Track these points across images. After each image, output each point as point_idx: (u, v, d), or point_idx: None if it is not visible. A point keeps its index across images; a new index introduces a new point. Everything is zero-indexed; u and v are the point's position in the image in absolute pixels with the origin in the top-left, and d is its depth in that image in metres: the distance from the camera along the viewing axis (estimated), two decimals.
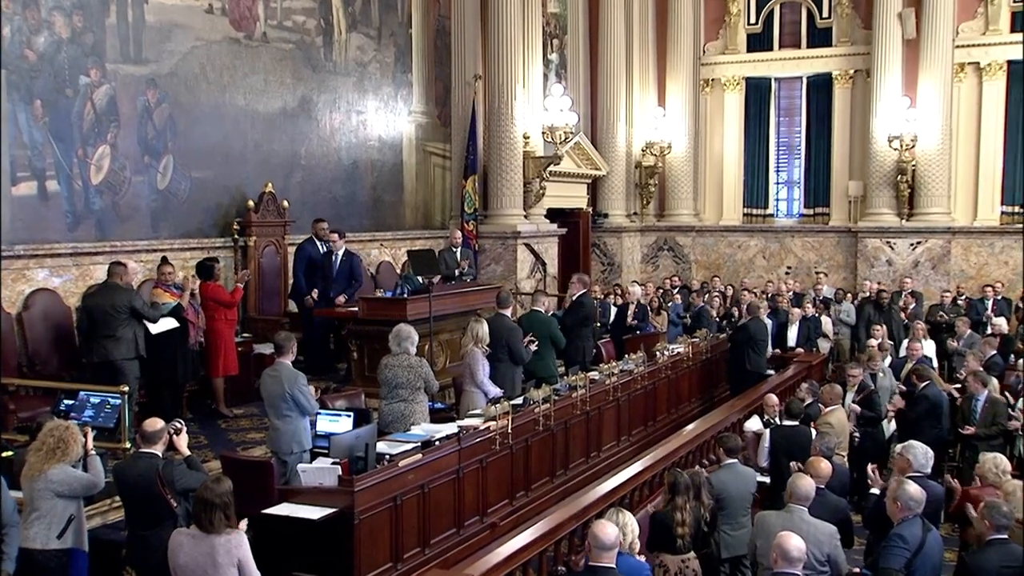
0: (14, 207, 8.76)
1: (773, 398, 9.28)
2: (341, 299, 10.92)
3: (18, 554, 5.49)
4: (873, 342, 11.93)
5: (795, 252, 18.68)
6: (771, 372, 11.84)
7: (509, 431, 7.60)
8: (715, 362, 12.42)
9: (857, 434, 9.14)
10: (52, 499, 5.51)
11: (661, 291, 15.94)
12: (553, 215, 16.59)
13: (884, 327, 12.74)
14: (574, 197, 17.96)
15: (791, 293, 15.40)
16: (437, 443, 6.98)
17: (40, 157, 9.09)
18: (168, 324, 8.82)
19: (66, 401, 7.38)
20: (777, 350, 13.03)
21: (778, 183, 19.49)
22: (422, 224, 14.96)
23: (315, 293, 10.97)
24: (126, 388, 7.44)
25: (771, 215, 19.34)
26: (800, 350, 13.01)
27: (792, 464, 7.46)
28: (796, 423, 8.15)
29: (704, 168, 19.63)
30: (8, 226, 8.61)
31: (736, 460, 7.09)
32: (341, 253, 11.29)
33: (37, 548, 5.50)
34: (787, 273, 18.32)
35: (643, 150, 19.30)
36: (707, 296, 15.32)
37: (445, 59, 15.31)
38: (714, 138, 19.56)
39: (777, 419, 8.76)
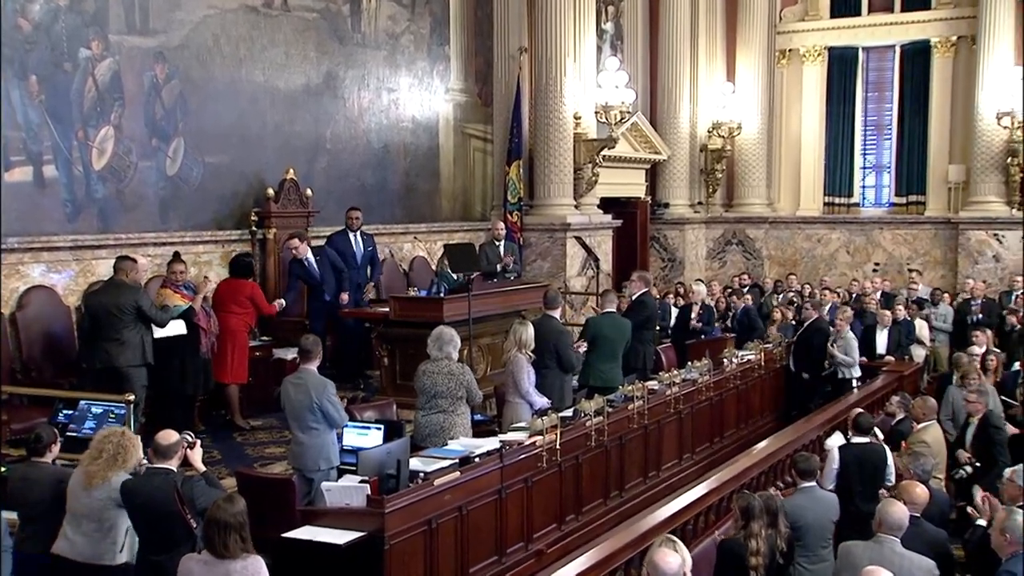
0: (7, 195, 8.83)
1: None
2: (370, 291, 10.99)
3: (82, 572, 5.63)
4: (976, 350, 11.68)
5: (884, 247, 18.46)
6: (857, 382, 11.74)
7: (557, 447, 7.57)
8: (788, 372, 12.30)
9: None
10: (115, 509, 5.66)
11: (729, 291, 15.79)
12: (607, 205, 16.53)
13: (988, 333, 12.46)
14: (631, 185, 17.89)
15: (880, 293, 15.21)
16: (477, 460, 6.97)
17: (36, 140, 9.21)
18: (176, 329, 8.87)
19: (64, 411, 7.49)
20: (864, 358, 12.85)
21: (865, 168, 19.27)
22: (460, 215, 14.99)
23: (344, 296, 11.04)
24: (132, 397, 7.53)
25: (856, 204, 19.15)
26: (890, 358, 12.83)
27: (882, 490, 7.34)
28: (868, 440, 8.04)
29: (779, 151, 19.46)
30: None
31: (814, 484, 7.00)
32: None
33: (106, 564, 5.65)
34: (875, 271, 18.13)
35: (709, 131, 19.20)
36: (780, 296, 15.17)
37: (487, 30, 15.32)
38: (791, 117, 19.39)
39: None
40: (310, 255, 10.92)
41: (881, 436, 8.99)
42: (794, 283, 16.67)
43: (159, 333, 8.73)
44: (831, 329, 12.14)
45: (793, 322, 13.81)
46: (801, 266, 18.90)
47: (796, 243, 19.26)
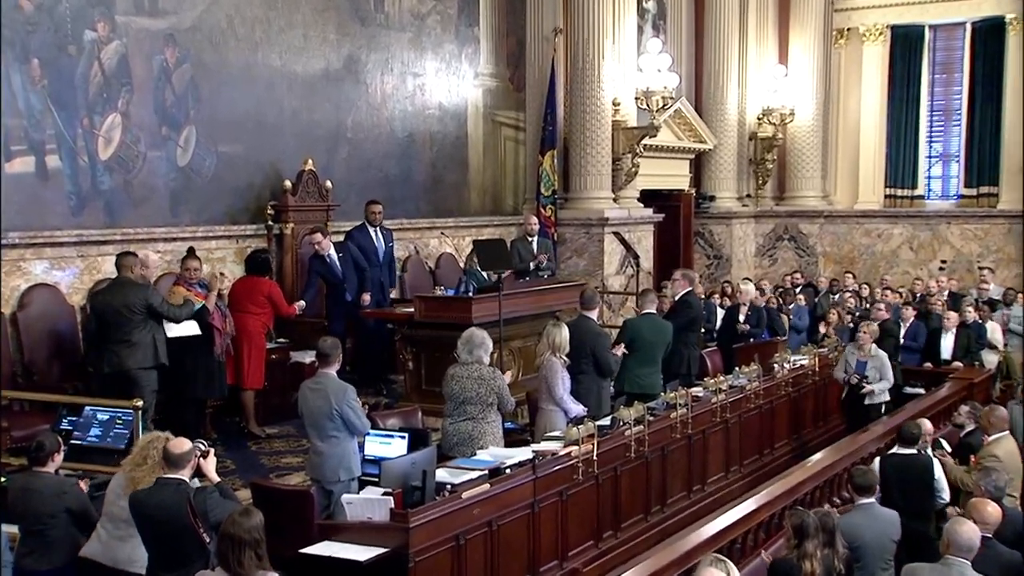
0: (7, 187, 8.92)
1: (926, 424, 9.05)
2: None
3: None
4: None
5: (952, 242, 18.32)
6: (919, 389, 11.64)
7: (594, 458, 7.54)
8: None
9: None
10: None
11: (780, 290, 15.70)
12: (648, 198, 16.51)
13: None
14: (674, 176, 17.87)
15: (946, 294, 15.08)
16: (508, 471, 6.96)
17: (38, 128, 9.30)
18: (189, 329, 8.92)
19: (68, 418, 7.55)
20: (928, 364, 12.75)
21: (931, 157, 19.13)
22: (490, 209, 15.02)
23: (366, 296, 11.09)
24: (140, 403, 7.56)
25: (921, 197, 19.03)
26: (958, 364, 12.70)
27: (950, 508, 7.27)
28: (912, 451, 7.98)
29: (836, 139, 19.36)
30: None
31: (873, 500, 6.96)
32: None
33: (137, 572, 5.74)
34: (941, 269, 18.00)
35: (759, 118, 19.13)
36: (838, 296, 15.06)
37: (519, 9, 15.33)
38: (849, 102, 19.28)
39: (929, 449, 8.56)
40: (332, 252, 10.98)
41: (949, 449, 8.94)
42: (851, 282, 16.56)
43: (172, 333, 8.77)
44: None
45: (851, 325, 13.72)
46: (859, 264, 18.82)
47: (854, 239, 19.16)
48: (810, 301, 15.22)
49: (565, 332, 8.64)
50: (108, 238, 9.78)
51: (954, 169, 18.96)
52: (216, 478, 6.01)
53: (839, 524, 6.33)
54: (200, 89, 10.74)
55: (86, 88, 9.67)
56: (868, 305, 15.23)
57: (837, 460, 8.79)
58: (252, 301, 9.76)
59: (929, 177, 19.17)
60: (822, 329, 13.53)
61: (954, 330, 13.11)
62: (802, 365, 11.28)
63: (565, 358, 8.62)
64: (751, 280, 15.33)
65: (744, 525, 7.22)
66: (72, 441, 7.18)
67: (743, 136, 19.05)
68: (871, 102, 19.15)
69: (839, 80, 19.34)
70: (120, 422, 7.37)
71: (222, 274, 9.81)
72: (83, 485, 6.39)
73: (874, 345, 10.77)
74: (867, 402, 10.61)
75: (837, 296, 15.58)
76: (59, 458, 6.27)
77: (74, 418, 7.50)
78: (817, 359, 11.56)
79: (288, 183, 11.44)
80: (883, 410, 10.67)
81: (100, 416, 7.44)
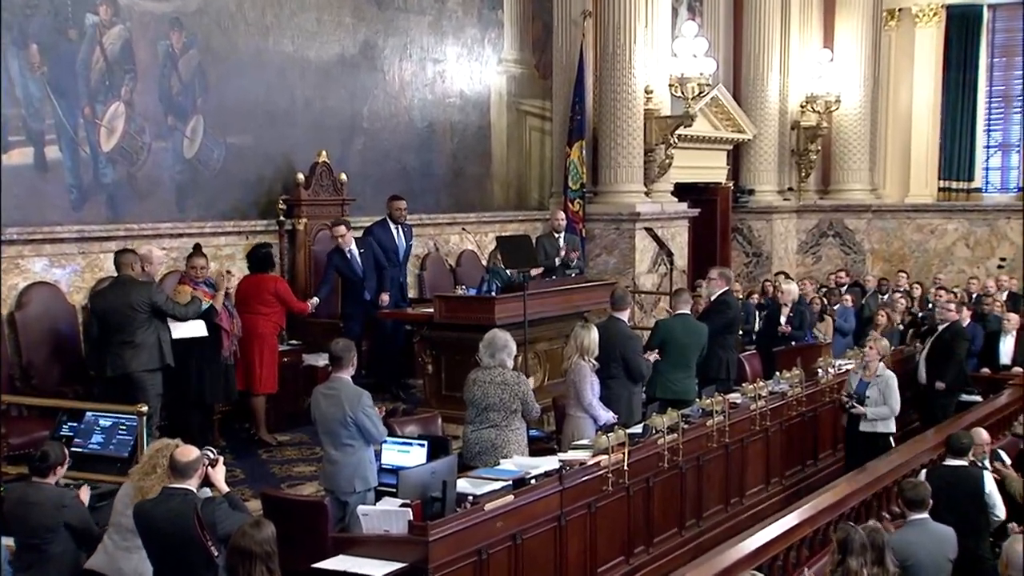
0: (6, 180, 8.91)
1: (983, 433, 9.00)
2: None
3: None
4: None
5: (1011, 239, 18.20)
6: (976, 397, 11.60)
7: (625, 468, 7.55)
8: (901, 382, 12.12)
9: None
10: None
11: (824, 290, 15.63)
12: (683, 192, 16.50)
13: None
14: (710, 168, 17.85)
15: (1005, 294, 15.04)
16: (533, 482, 6.97)
17: (37, 117, 9.36)
18: (196, 330, 8.95)
19: (69, 423, 7.61)
20: (986, 369, 12.68)
21: (988, 147, 19.01)
22: (515, 203, 15.05)
23: (385, 296, 11.14)
24: (145, 408, 7.58)
25: (978, 189, 18.91)
26: (1018, 370, 12.63)
27: (1011, 524, 7.22)
28: (963, 462, 7.93)
29: (885, 128, 19.27)
30: None
31: (926, 515, 6.92)
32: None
33: None
34: (1000, 267, 17.87)
35: (803, 106, 19.08)
36: (887, 296, 14.98)
37: None
38: (900, 88, 19.18)
39: (987, 460, 8.52)
40: (354, 246, 11.04)
41: (1008, 461, 8.88)
42: (902, 281, 16.48)
43: (177, 334, 8.79)
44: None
45: (900, 327, 13.67)
46: (910, 262, 18.71)
47: (904, 235, 19.05)
48: (857, 302, 15.15)
49: (594, 334, 8.65)
50: (111, 234, 9.84)
51: (1014, 160, 18.82)
52: (225, 488, 6.04)
53: (889, 541, 6.30)
54: (208, 76, 10.81)
55: (87, 75, 9.72)
56: (918, 306, 15.18)
57: (886, 472, 8.74)
58: (259, 300, 9.80)
59: (987, 168, 19.05)
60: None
61: (1014, 333, 13.03)
62: (847, 371, 11.22)
63: (594, 362, 8.64)
64: (787, 275, 15.25)
65: (786, 541, 7.20)
66: (73, 448, 7.18)
67: (785, 125, 18.97)
68: (924, 88, 19.03)
69: (889, 65, 19.22)
70: (123, 428, 7.43)
71: (229, 272, 9.79)
72: (84, 494, 6.43)
73: (882, 364, 10.12)
74: (862, 428, 9.89)
75: (886, 296, 15.52)
76: (62, 471, 6.31)
77: (75, 424, 7.56)
78: None
79: (301, 176, 11.50)
80: (890, 441, 9.95)
81: (102, 422, 7.50)
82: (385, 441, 7.46)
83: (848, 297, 14.90)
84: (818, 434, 10.69)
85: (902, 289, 15.90)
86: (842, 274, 17.21)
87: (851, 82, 18.84)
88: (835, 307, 14.40)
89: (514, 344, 8.06)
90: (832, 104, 18.81)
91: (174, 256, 10.24)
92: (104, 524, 6.24)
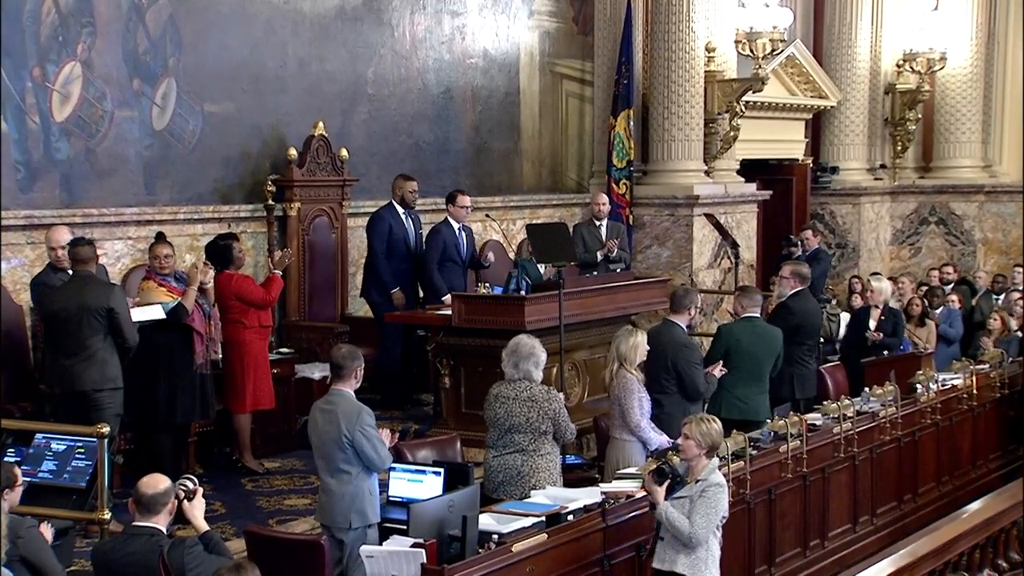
0: None
1: None
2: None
3: None
4: None
5: None
6: None
7: None
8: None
9: None
10: None
11: (925, 288, 15.52)
12: (750, 170, 16.47)
13: None
14: (785, 142, 17.83)
15: None
16: (570, 518, 6.96)
17: None
18: (152, 313, 8.79)
19: (15, 447, 7.59)
20: None
21: None
22: (548, 185, 15.06)
23: (401, 295, 11.17)
24: (105, 429, 7.54)
25: None
26: None
27: None
28: None
29: (1001, 93, 19.12)
30: None
31: None
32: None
33: None
34: None
35: (899, 66, 18.95)
36: (1003, 297, 14.86)
37: None
38: (1019, 44, 18.97)
39: None
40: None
41: None
42: (1020, 278, 16.31)
43: (138, 316, 8.64)
44: None
45: (1019, 333, 13.53)
46: None
47: None
48: (965, 303, 15.03)
49: (637, 339, 8.61)
50: (66, 220, 9.70)
51: None
52: (204, 526, 6.03)
53: None
54: (181, 32, 10.82)
55: (36, 30, 9.72)
56: None
57: (1001, 512, 8.64)
58: (224, 305, 9.65)
59: None
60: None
61: None
62: (954, 386, 11.17)
63: (642, 374, 8.59)
64: (881, 274, 15.15)
65: None
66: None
67: (876, 90, 18.84)
68: None
69: (1006, 16, 19.00)
70: (81, 453, 7.42)
71: (206, 263, 9.58)
72: (45, 530, 6.38)
73: None
74: None
75: (1002, 297, 15.37)
76: (13, 496, 6.26)
77: (22, 448, 7.55)
78: (974, 378, 11.43)
79: (293, 152, 11.49)
80: None
81: (55, 446, 7.51)
82: (392, 468, 7.42)
83: (954, 297, 14.80)
84: (917, 463, 10.62)
85: (1021, 288, 15.72)
86: (947, 269, 17.06)
87: (960, 37, 18.63)
88: (938, 310, 14.24)
89: (543, 353, 8.04)
90: (936, 63, 18.60)
91: (141, 248, 10.22)
92: (67, 565, 6.23)
